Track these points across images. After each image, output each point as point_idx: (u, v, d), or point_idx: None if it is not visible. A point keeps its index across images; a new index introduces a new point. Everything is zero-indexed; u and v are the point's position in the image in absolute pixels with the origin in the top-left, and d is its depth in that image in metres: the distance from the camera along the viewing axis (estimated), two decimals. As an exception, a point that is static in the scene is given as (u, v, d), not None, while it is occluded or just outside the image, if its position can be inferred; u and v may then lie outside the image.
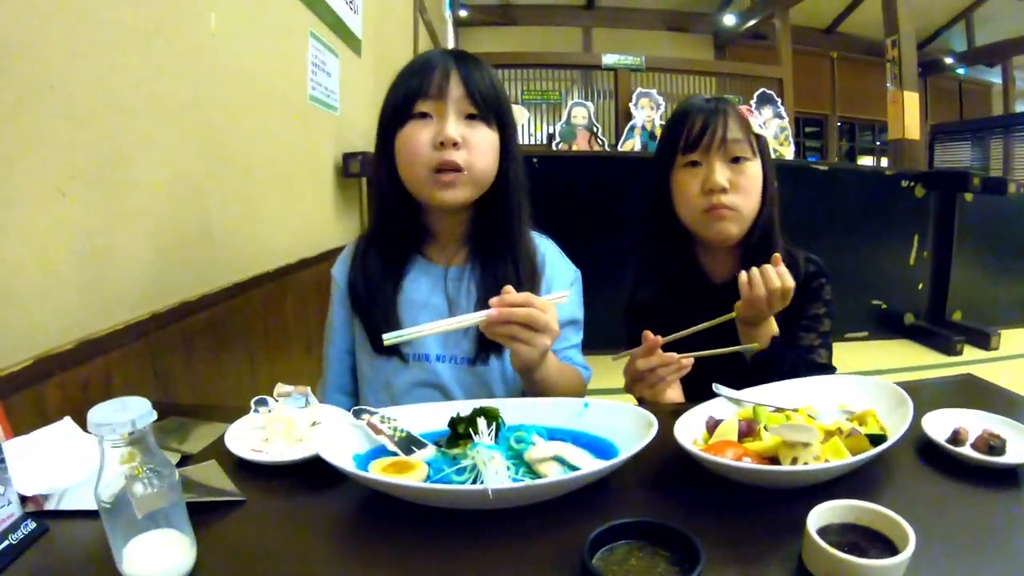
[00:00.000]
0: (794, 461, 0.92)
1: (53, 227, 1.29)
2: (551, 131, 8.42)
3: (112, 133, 1.46)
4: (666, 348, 1.29)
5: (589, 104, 8.34)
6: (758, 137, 1.45)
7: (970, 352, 5.29)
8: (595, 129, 8.19)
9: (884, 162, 12.89)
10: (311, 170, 2.96)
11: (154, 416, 0.74)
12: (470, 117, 1.31)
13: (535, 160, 4.92)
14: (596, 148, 8.07)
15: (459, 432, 1.03)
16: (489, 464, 0.93)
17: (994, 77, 13.69)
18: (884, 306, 5.76)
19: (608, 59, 8.66)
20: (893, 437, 0.98)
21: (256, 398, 1.21)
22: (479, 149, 1.31)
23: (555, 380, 1.34)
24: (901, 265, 5.69)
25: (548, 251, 1.51)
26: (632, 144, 8.17)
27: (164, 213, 1.70)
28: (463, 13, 11.69)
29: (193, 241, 1.86)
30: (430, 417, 1.11)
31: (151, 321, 1.60)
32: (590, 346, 1.51)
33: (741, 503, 0.92)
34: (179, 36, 1.74)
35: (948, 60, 13.28)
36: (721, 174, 1.41)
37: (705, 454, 0.93)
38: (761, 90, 8.77)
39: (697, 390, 1.34)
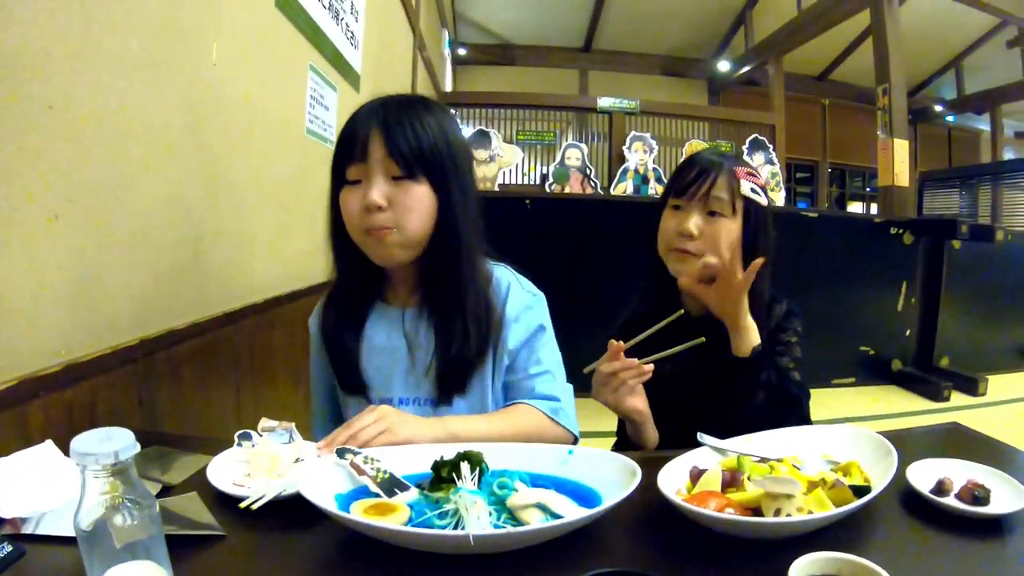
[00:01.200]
0: (777, 512, 0.92)
1: (46, 248, 1.29)
2: (544, 171, 8.47)
3: (110, 157, 1.46)
4: (630, 356, 1.39)
5: (583, 146, 8.39)
6: (745, 199, 1.53)
7: (957, 398, 5.31)
8: (588, 171, 8.23)
9: (874, 208, 13.00)
10: (305, 202, 2.95)
11: (137, 448, 0.73)
12: (396, 177, 1.29)
13: (528, 201, 4.99)
14: (589, 190, 8.11)
15: (442, 476, 1.02)
16: (471, 509, 0.92)
17: (983, 124, 13.89)
18: (872, 352, 5.77)
19: (603, 102, 8.77)
20: (877, 488, 0.99)
21: (240, 432, 1.21)
22: (406, 208, 1.30)
23: (485, 433, 1.31)
24: (889, 311, 5.71)
25: (503, 279, 1.49)
26: (624, 187, 8.22)
27: (158, 239, 1.69)
28: (461, 52, 11.85)
29: (186, 268, 1.86)
30: (414, 459, 1.11)
31: (139, 347, 1.58)
32: (583, 387, 1.51)
33: (723, 554, 0.91)
34: (181, 65, 1.75)
35: (938, 108, 13.49)
36: (693, 221, 1.52)
37: (687, 504, 0.92)
38: (753, 136, 8.86)
39: (679, 433, 1.38)
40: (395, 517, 0.94)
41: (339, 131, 1.37)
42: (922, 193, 12.35)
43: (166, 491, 1.07)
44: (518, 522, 0.94)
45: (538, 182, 8.63)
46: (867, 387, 5.69)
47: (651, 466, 1.05)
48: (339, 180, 1.34)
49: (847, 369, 5.73)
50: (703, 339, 1.37)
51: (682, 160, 1.67)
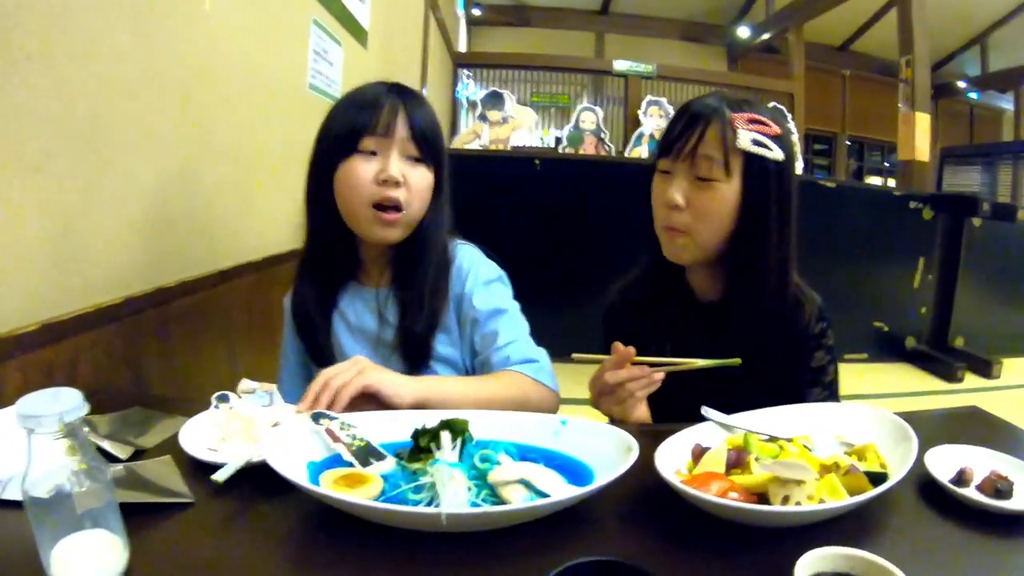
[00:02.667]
0: (786, 500, 0.84)
1: (26, 203, 1.24)
2: (558, 135, 8.35)
3: (96, 110, 1.40)
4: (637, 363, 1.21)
5: (598, 109, 8.26)
6: (748, 155, 1.26)
7: (971, 380, 5.20)
8: (603, 135, 8.12)
9: (892, 183, 12.84)
10: (306, 160, 2.87)
11: (85, 410, 0.68)
12: (411, 159, 1.35)
13: (537, 161, 4.85)
14: (603, 154, 7.99)
15: (421, 446, 0.95)
16: (448, 484, 0.86)
17: (1006, 103, 13.63)
18: (886, 328, 5.67)
19: (620, 65, 8.60)
20: (895, 477, 0.90)
21: (218, 393, 1.15)
22: (417, 190, 1.36)
23: (471, 395, 1.28)
24: (905, 288, 5.60)
25: (466, 259, 1.51)
26: (639, 152, 8.10)
27: (147, 196, 1.63)
28: (476, 12, 11.64)
29: (176, 226, 1.80)
30: (394, 427, 1.04)
31: (124, 305, 1.53)
32: (570, 350, 1.44)
33: (724, 541, 0.84)
34: (172, 13, 1.67)
35: (961, 84, 13.22)
36: (677, 190, 1.27)
37: (687, 488, 0.84)
38: (772, 104, 8.70)
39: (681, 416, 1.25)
40: (366, 489, 0.87)
41: (346, 93, 1.41)
42: (942, 169, 12.17)
43: (139, 454, 1.03)
44: (499, 499, 0.87)
45: (552, 144, 8.48)
46: (880, 364, 5.59)
47: (651, 440, 0.98)
48: (346, 149, 1.32)
49: (860, 345, 5.64)
50: (739, 360, 1.19)
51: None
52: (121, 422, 1.14)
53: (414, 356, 1.43)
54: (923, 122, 6.73)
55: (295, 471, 0.88)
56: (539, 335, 1.49)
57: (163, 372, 1.72)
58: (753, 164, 1.26)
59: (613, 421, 1.29)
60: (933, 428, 1.27)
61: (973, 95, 13.68)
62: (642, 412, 1.30)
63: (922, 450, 1.01)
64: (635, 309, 1.47)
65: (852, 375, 5.15)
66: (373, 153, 1.32)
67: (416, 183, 1.35)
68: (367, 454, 0.96)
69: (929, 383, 5.19)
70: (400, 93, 1.36)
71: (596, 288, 1.58)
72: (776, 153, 1.27)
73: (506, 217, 4.05)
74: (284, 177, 2.60)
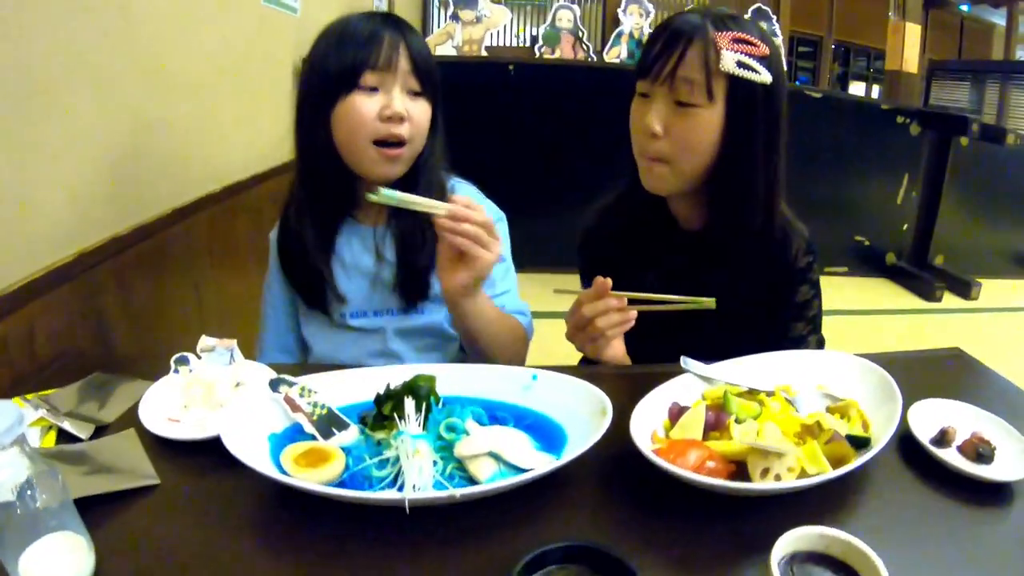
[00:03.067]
0: (765, 472, 0.80)
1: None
2: (534, 33, 8.09)
3: (27, 50, 1.29)
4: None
5: (575, 7, 7.96)
6: (734, 78, 1.16)
7: (949, 299, 5.20)
8: (580, 34, 7.85)
9: (876, 91, 12.69)
10: (265, 79, 2.75)
11: (22, 427, 0.65)
12: (412, 92, 1.31)
13: (511, 67, 4.64)
14: (581, 54, 7.76)
15: (385, 413, 0.90)
16: (412, 459, 0.82)
17: (998, 18, 13.35)
18: (867, 243, 5.62)
19: (599, -41, 8.29)
20: (877, 444, 0.87)
21: (176, 355, 1.10)
22: (420, 124, 1.32)
23: (496, 322, 1.32)
24: (888, 203, 5.52)
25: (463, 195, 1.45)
26: (618, 51, 7.86)
27: (90, 139, 1.52)
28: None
29: (126, 168, 1.70)
30: (357, 387, 1.00)
31: (77, 263, 1.45)
32: (559, 264, 1.40)
33: (703, 511, 0.82)
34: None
35: (954, -5, 12.94)
36: (656, 117, 1.17)
37: (663, 462, 0.80)
38: (757, 5, 8.46)
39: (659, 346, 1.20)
40: (329, 468, 0.84)
41: (334, 23, 1.34)
42: (929, 82, 12.01)
43: (101, 430, 0.99)
44: (467, 473, 0.83)
45: (528, 44, 8.22)
46: (859, 278, 5.57)
47: (627, 390, 0.96)
48: (347, 85, 1.27)
49: (840, 258, 5.60)
50: (713, 301, 1.12)
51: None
52: (81, 394, 1.09)
53: (412, 293, 1.41)
54: (913, 33, 6.61)
55: (255, 446, 0.85)
56: (516, 247, 1.50)
57: (127, 326, 1.66)
58: (738, 88, 1.16)
59: (587, 360, 1.28)
60: (916, 373, 1.24)
61: (964, 7, 13.38)
62: (616, 350, 1.26)
63: (906, 402, 0.99)
64: (614, 236, 1.41)
65: (831, 288, 5.05)
66: (374, 89, 1.27)
67: (418, 117, 1.31)
68: (329, 423, 0.92)
69: (908, 300, 5.19)
70: (397, 24, 1.31)
71: (573, 199, 1.52)
72: (764, 76, 1.17)
73: (479, 126, 3.73)
74: (241, 98, 2.49)
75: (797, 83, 10.74)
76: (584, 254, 1.49)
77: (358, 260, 1.41)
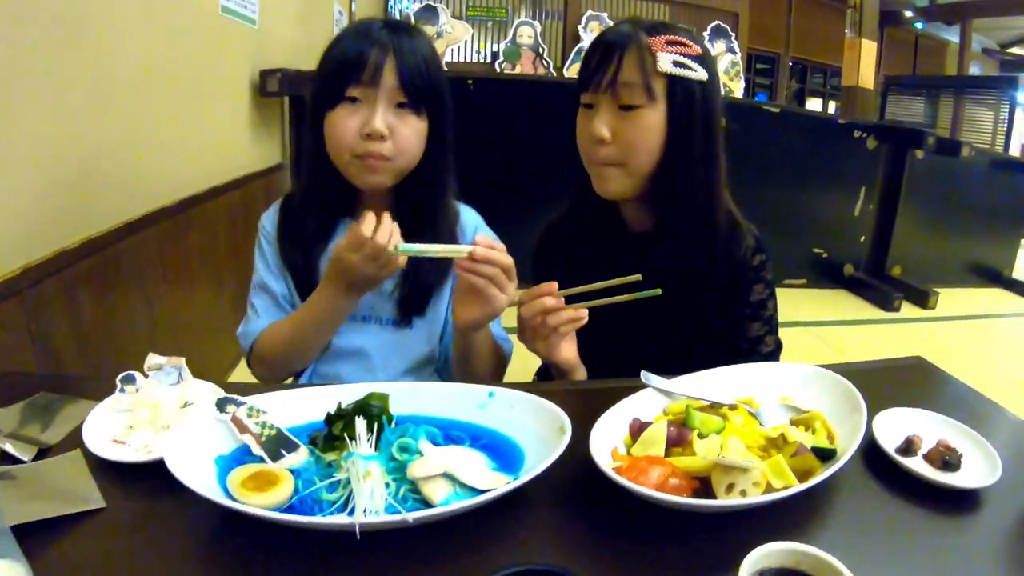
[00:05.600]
0: (730, 487, 0.78)
1: None
2: (495, 50, 8.11)
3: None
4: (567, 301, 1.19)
5: (536, 24, 8.01)
6: (671, 78, 1.20)
7: (908, 309, 5.28)
8: (541, 50, 7.90)
9: (832, 107, 12.89)
10: (222, 90, 2.73)
11: None
12: (400, 105, 1.27)
13: (470, 81, 4.65)
14: (541, 70, 7.80)
15: (335, 433, 0.86)
16: (363, 482, 0.78)
17: (951, 36, 13.66)
18: (825, 255, 5.70)
19: (560, -23, 8.33)
20: (843, 455, 0.86)
21: (123, 374, 1.05)
22: (405, 139, 1.28)
23: (489, 347, 1.35)
24: (845, 216, 5.62)
25: (469, 221, 1.49)
26: (578, 67, 7.94)
27: (35, 152, 1.49)
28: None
29: (72, 181, 1.66)
30: (307, 406, 0.96)
31: (22, 277, 1.42)
32: (521, 278, 1.40)
33: (667, 530, 0.79)
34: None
35: (908, 13, 13.19)
36: (602, 123, 1.22)
37: (624, 481, 0.77)
38: (715, 22, 8.58)
39: (613, 368, 1.25)
40: (277, 492, 0.79)
41: (344, 28, 1.32)
42: (885, 97, 12.24)
43: (45, 452, 0.95)
44: (421, 496, 0.79)
45: (488, 59, 8.23)
46: (818, 290, 5.64)
47: (586, 406, 0.93)
48: (333, 97, 1.26)
49: (799, 270, 5.66)
50: (659, 291, 1.13)
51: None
52: (24, 414, 1.03)
53: (411, 307, 1.41)
54: (869, 50, 6.73)
55: (201, 469, 0.81)
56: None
57: (75, 342, 1.62)
58: (676, 86, 1.22)
59: (543, 375, 1.36)
60: (879, 383, 1.23)
61: (919, 25, 13.69)
62: (567, 351, 1.26)
63: (871, 413, 0.98)
64: (566, 245, 1.42)
65: (790, 300, 5.19)
66: (359, 100, 1.25)
67: (404, 133, 1.27)
68: (278, 445, 0.88)
69: (866, 311, 5.26)
70: (393, 31, 1.27)
71: (534, 212, 1.52)
72: (699, 73, 1.22)
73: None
74: (196, 109, 2.46)
75: (756, 99, 10.90)
76: (536, 264, 1.49)
77: None
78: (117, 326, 1.86)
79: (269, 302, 1.43)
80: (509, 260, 1.14)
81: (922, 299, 5.33)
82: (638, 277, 1.13)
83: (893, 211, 5.55)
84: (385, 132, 1.24)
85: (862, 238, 5.73)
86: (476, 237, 1.14)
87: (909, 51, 14.32)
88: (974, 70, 13.36)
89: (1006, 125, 10.82)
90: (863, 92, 6.80)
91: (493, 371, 1.40)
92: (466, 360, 1.34)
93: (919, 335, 4.76)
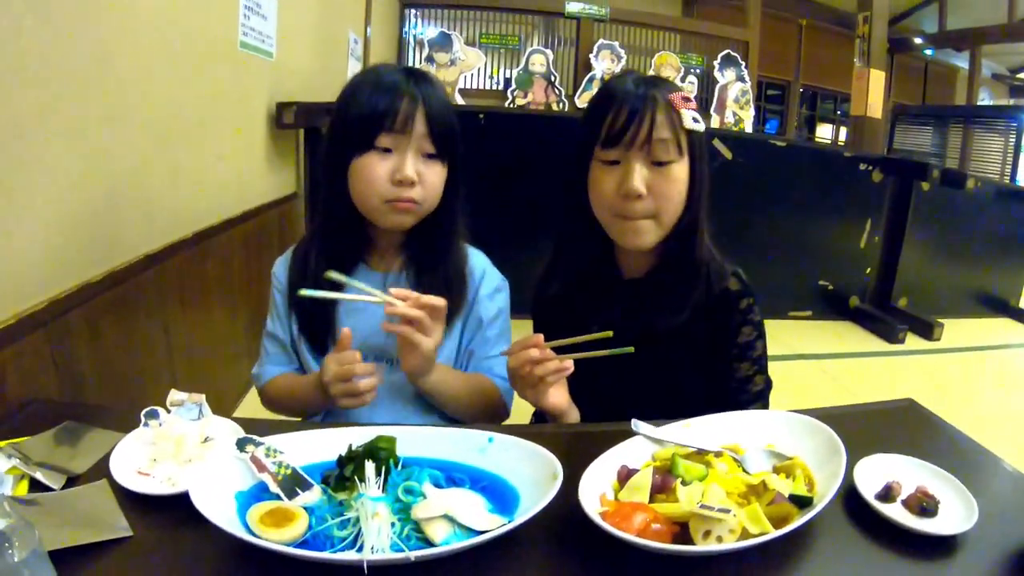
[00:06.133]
0: (707, 534, 0.84)
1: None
2: (508, 76, 8.19)
3: (0, 98, 1.32)
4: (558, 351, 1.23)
5: (548, 52, 8.09)
6: (690, 133, 1.29)
7: (912, 341, 5.30)
8: (553, 78, 7.98)
9: (843, 133, 12.89)
10: (239, 123, 2.79)
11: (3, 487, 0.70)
12: (427, 155, 1.34)
13: (481, 116, 4.70)
14: (552, 97, 7.87)
15: (346, 475, 0.93)
16: (371, 521, 0.84)
17: (961, 62, 13.67)
18: (830, 287, 5.71)
19: (572, 7, 8.38)
20: (820, 502, 0.91)
21: (146, 409, 1.11)
22: (432, 186, 1.36)
23: (458, 388, 1.44)
24: (851, 248, 5.64)
25: (478, 263, 1.54)
26: (589, 96, 7.96)
27: (62, 187, 1.56)
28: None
29: (97, 215, 1.72)
30: (322, 446, 1.02)
31: (48, 309, 1.48)
32: (519, 311, 1.55)
33: (649, 571, 0.85)
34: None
35: (917, 40, 13.24)
36: (639, 178, 1.26)
37: (608, 526, 0.83)
38: (726, 51, 8.65)
39: (603, 414, 1.31)
40: (292, 528, 0.86)
41: (361, 74, 1.39)
42: (894, 126, 12.27)
43: (72, 481, 1.00)
44: (423, 534, 0.86)
45: (501, 87, 8.31)
46: (823, 322, 5.65)
47: (580, 451, 0.99)
48: (361, 143, 1.31)
49: (804, 302, 5.66)
50: (631, 348, 1.17)
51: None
52: (53, 443, 1.10)
53: None
54: (877, 80, 6.76)
55: (222, 504, 0.87)
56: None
57: (97, 372, 1.67)
58: (694, 141, 1.31)
59: (539, 417, 1.41)
60: (867, 427, 1.30)
61: (928, 52, 13.73)
62: (556, 398, 1.29)
63: (853, 454, 1.03)
64: (561, 296, 1.46)
65: (795, 333, 5.21)
66: (388, 150, 1.31)
67: (431, 180, 1.35)
68: (293, 483, 0.94)
69: (871, 343, 5.27)
70: (418, 82, 1.33)
71: (545, 247, 1.55)
72: (702, 125, 1.31)
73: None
74: (214, 142, 2.52)
75: (766, 127, 10.95)
76: (538, 315, 1.55)
77: (366, 306, 1.36)
78: (137, 355, 1.91)
79: (278, 349, 1.51)
80: (430, 303, 1.25)
81: (927, 331, 5.34)
82: (609, 334, 1.18)
83: (899, 243, 5.57)
84: (416, 179, 1.31)
85: (868, 270, 5.75)
86: (390, 288, 1.25)
87: (919, 78, 14.34)
88: (984, 96, 13.36)
89: (1014, 153, 10.83)
90: (872, 122, 6.83)
91: (482, 412, 1.47)
92: (443, 407, 1.44)
93: (923, 368, 4.78)
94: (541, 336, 1.23)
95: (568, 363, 1.23)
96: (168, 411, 1.13)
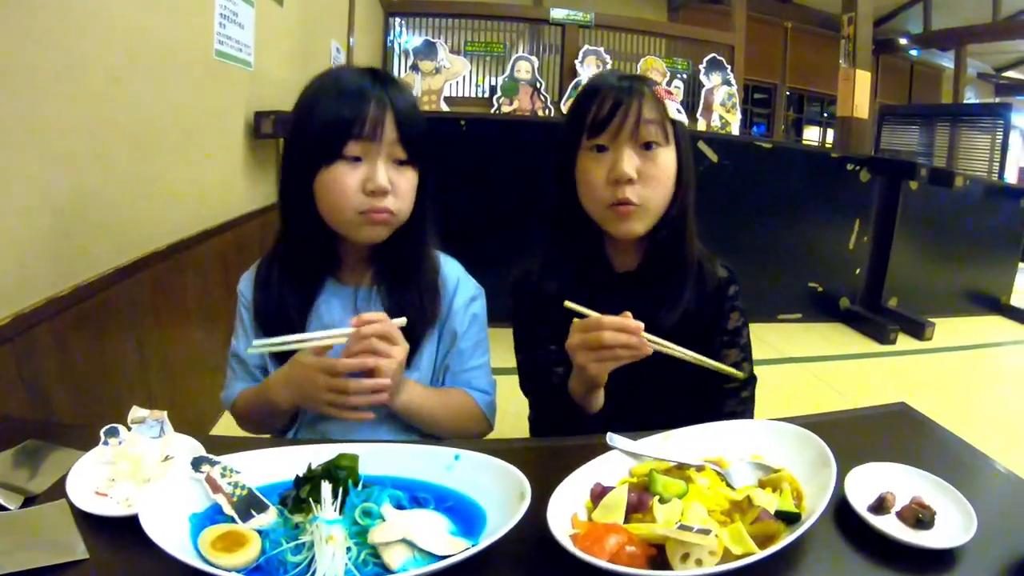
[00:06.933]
0: (686, 557, 0.78)
1: None
2: (493, 84, 8.17)
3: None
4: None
5: (534, 59, 8.07)
6: (675, 123, 1.31)
7: (904, 341, 5.27)
8: (538, 85, 7.96)
9: (830, 135, 12.92)
10: (216, 133, 2.75)
11: None
12: (398, 162, 1.27)
13: (462, 122, 4.63)
14: (538, 104, 7.86)
15: (302, 496, 0.87)
16: (325, 546, 0.79)
17: (946, 62, 13.73)
18: (820, 289, 5.69)
19: (556, 13, 8.36)
20: (808, 518, 0.85)
21: (106, 427, 1.06)
22: (406, 195, 1.29)
23: (432, 407, 1.37)
24: (840, 249, 5.62)
25: (451, 271, 1.48)
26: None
27: (30, 200, 1.52)
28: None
29: (66, 228, 1.68)
30: (280, 465, 0.97)
31: (13, 325, 1.44)
32: (503, 318, 1.49)
33: None
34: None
35: (903, 40, 13.29)
36: (629, 162, 1.26)
37: (577, 551, 0.77)
38: (711, 55, 8.65)
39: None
40: (244, 553, 0.80)
41: (320, 78, 1.30)
42: (881, 126, 12.30)
43: (30, 501, 0.96)
44: (381, 560, 0.80)
45: (487, 94, 8.28)
46: (814, 324, 5.62)
47: (552, 466, 0.94)
48: (328, 153, 1.23)
49: (794, 305, 5.64)
50: (743, 375, 1.24)
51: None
52: (13, 462, 1.05)
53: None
54: (863, 80, 6.75)
55: (175, 527, 0.83)
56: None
57: (66, 389, 1.64)
58: (679, 130, 1.32)
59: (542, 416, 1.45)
60: (859, 434, 1.25)
61: (914, 52, 13.77)
62: (604, 377, 1.24)
63: (844, 463, 0.97)
64: (552, 294, 1.39)
65: (785, 336, 5.18)
66: (358, 159, 1.23)
67: (403, 188, 1.28)
68: (248, 505, 0.89)
69: (862, 344, 5.24)
70: (384, 85, 1.26)
71: (527, 252, 1.52)
72: (685, 118, 1.34)
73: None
74: (189, 153, 2.48)
75: (753, 130, 10.96)
76: (522, 318, 1.51)
77: (337, 323, 1.35)
78: (108, 371, 1.87)
79: (241, 371, 1.44)
80: (388, 327, 1.20)
81: (918, 331, 5.32)
82: (742, 376, 1.24)
83: (888, 243, 5.56)
84: (389, 188, 1.24)
85: (857, 271, 5.73)
86: (351, 320, 1.19)
87: (905, 78, 14.40)
88: (970, 95, 13.42)
89: (1001, 151, 10.86)
90: (858, 123, 6.82)
91: (459, 428, 1.41)
92: (420, 424, 1.38)
93: (915, 368, 4.75)
94: (641, 325, 1.14)
95: (649, 348, 1.15)
96: (129, 429, 1.08)
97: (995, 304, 6.52)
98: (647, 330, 1.15)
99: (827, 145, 12.49)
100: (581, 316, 1.18)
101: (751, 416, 1.46)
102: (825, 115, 13.89)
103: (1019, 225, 6.38)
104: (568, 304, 1.18)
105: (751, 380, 1.46)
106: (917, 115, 12.51)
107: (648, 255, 1.39)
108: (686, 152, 1.34)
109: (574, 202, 1.36)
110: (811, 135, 14.08)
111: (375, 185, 1.22)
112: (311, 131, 1.24)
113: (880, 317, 5.47)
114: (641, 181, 1.27)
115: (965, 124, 11.53)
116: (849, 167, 5.42)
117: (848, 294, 5.76)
